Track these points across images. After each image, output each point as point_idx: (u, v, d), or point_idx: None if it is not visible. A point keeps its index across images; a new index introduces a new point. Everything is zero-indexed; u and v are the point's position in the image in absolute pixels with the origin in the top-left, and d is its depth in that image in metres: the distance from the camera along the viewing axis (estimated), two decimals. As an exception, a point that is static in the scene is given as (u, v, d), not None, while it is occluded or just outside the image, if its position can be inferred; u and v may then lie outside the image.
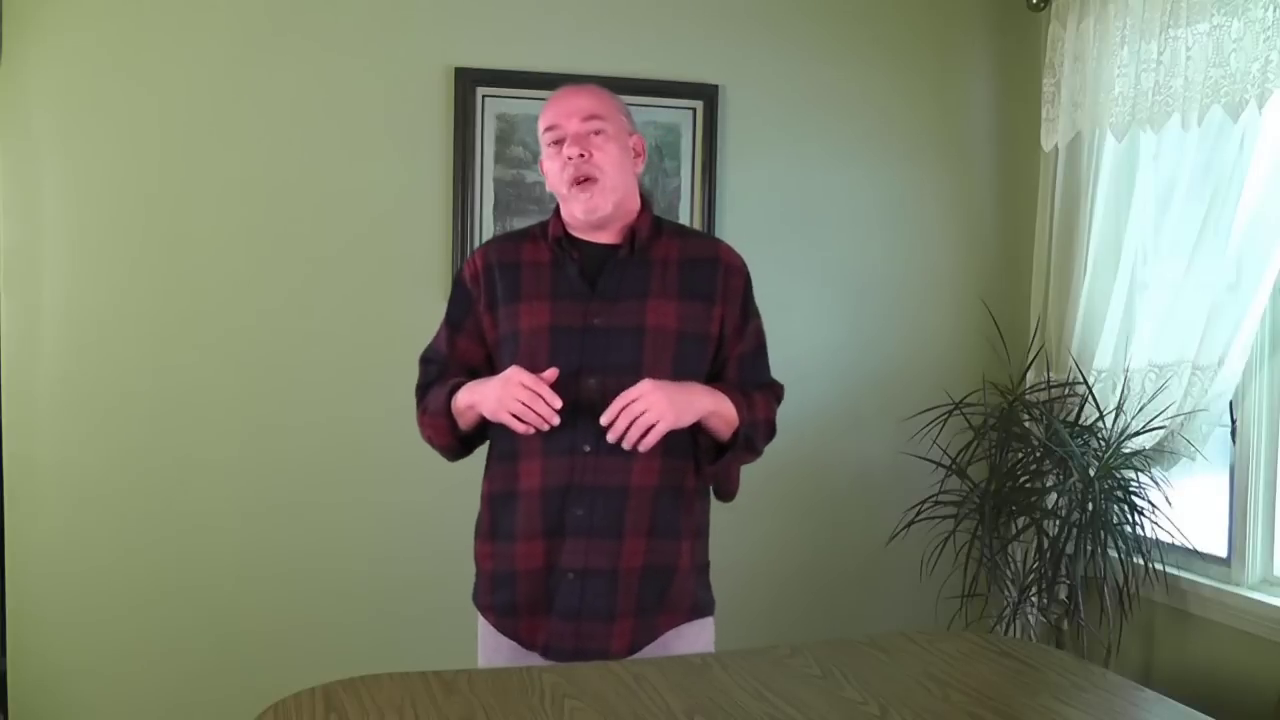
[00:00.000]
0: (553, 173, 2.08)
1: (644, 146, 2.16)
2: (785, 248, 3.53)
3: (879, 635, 1.99)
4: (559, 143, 2.06)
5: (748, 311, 2.14)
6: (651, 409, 1.91)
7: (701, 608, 2.14)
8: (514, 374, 1.94)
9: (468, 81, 3.27)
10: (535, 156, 3.32)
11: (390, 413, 3.26)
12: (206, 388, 3.15)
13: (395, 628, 3.27)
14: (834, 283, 3.61)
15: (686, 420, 1.97)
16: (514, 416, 1.93)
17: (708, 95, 3.45)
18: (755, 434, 2.08)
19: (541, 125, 2.10)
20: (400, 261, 3.27)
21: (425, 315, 3.25)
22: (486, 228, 3.30)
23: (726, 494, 2.16)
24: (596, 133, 2.05)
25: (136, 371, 3.10)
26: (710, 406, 2.00)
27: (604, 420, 1.92)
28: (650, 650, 2.06)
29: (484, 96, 3.29)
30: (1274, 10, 2.75)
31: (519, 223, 3.30)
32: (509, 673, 1.79)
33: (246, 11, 3.13)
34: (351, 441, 3.25)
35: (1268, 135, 2.85)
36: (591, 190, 2.03)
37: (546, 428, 1.93)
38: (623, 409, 1.91)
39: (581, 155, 2.03)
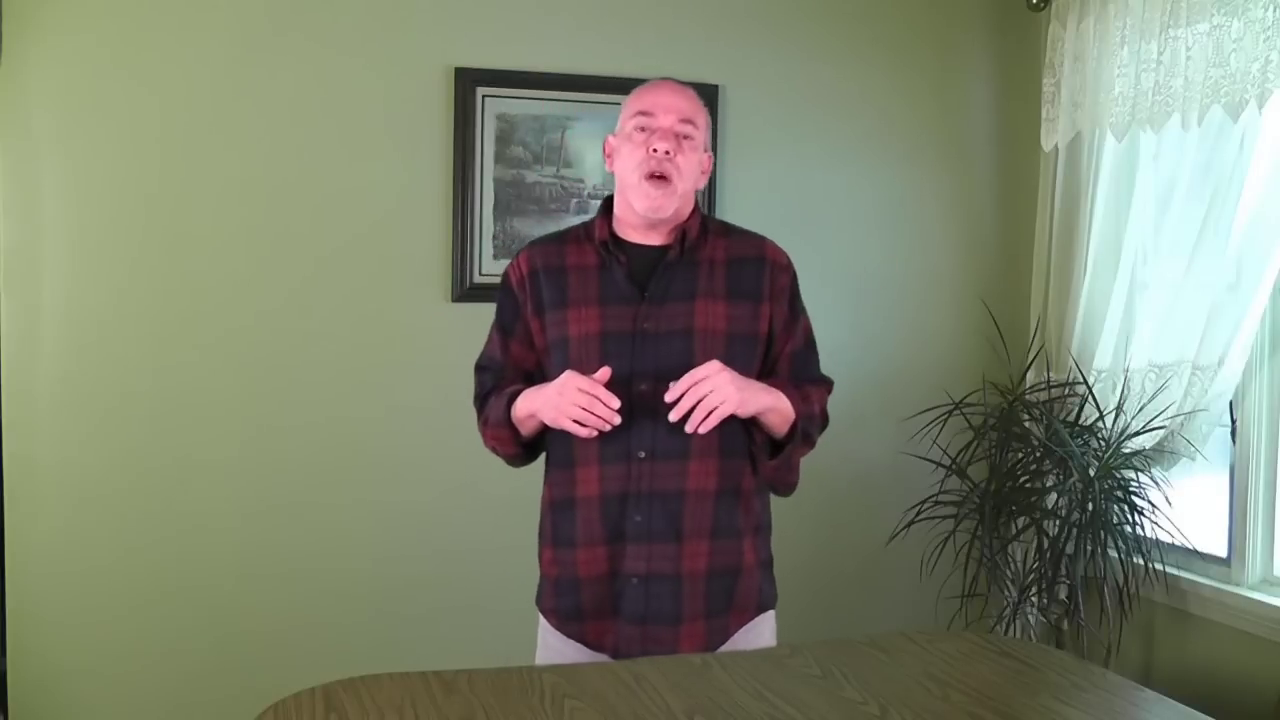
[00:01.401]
0: (629, 157, 2.05)
1: (711, 166, 2.16)
2: (785, 247, 3.52)
3: (879, 635, 1.99)
4: (645, 130, 2.04)
5: (796, 308, 2.15)
6: (718, 390, 1.91)
7: (765, 602, 2.15)
8: (569, 379, 1.94)
9: (468, 81, 3.27)
10: (535, 156, 3.33)
11: (390, 413, 3.27)
12: (206, 388, 3.15)
13: (395, 628, 3.27)
14: (834, 283, 3.61)
15: (749, 409, 1.97)
16: (575, 422, 1.93)
17: (708, 95, 3.43)
18: (811, 426, 2.10)
19: (633, 108, 2.07)
20: (400, 261, 3.27)
21: (425, 315, 3.28)
22: (486, 228, 3.30)
23: (787, 488, 2.16)
24: (686, 137, 2.05)
25: (136, 371, 3.10)
26: (770, 402, 2.01)
27: (669, 397, 1.91)
28: (723, 650, 2.07)
29: (484, 96, 3.29)
30: (1274, 10, 2.75)
31: (519, 223, 3.30)
32: (509, 673, 1.79)
33: (246, 11, 3.13)
34: (351, 441, 3.25)
35: (1268, 135, 2.86)
36: (664, 189, 2.02)
37: (609, 428, 1.93)
38: (689, 388, 1.91)
39: (668, 153, 2.02)
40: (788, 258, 2.17)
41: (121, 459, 3.10)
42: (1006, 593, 3.39)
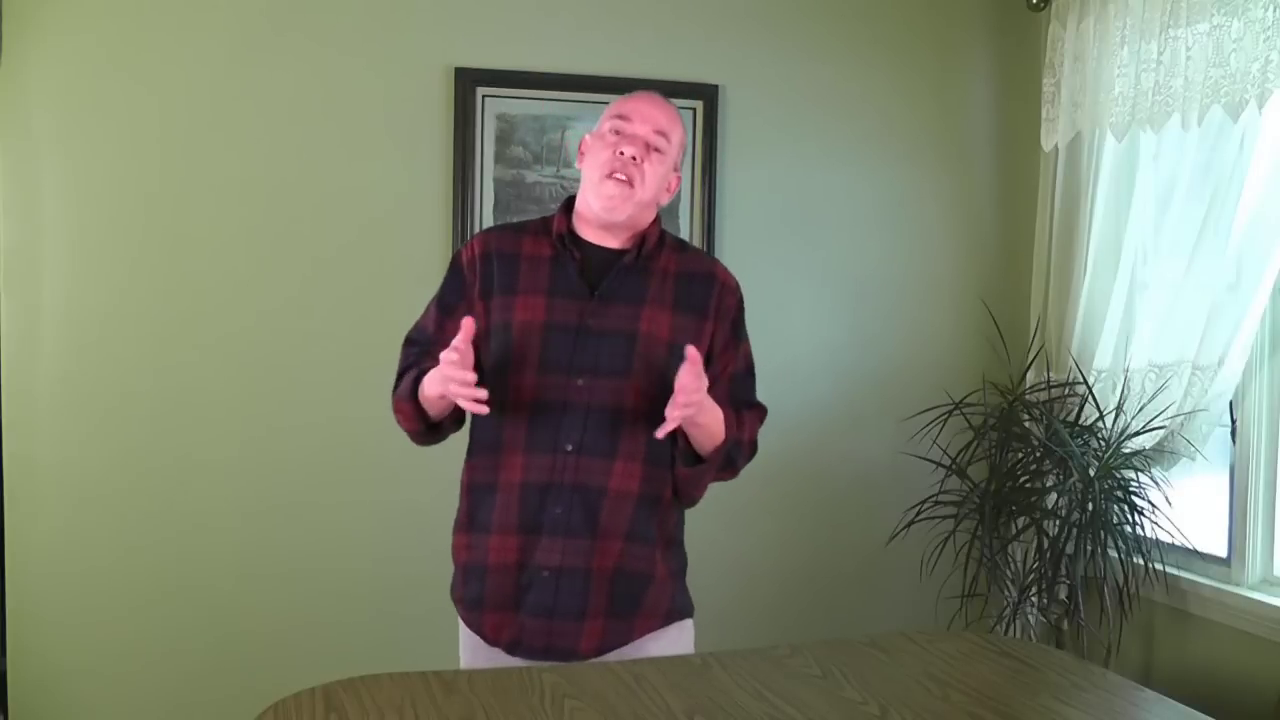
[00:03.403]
0: (596, 155, 2.07)
1: (678, 187, 2.17)
2: (785, 248, 3.54)
3: (879, 635, 1.99)
4: (619, 133, 2.06)
5: (739, 332, 2.16)
6: (704, 403, 1.94)
7: (678, 612, 2.15)
8: (443, 354, 1.92)
9: (468, 81, 3.27)
10: (535, 156, 3.33)
11: (390, 413, 3.26)
12: (206, 388, 3.15)
13: (395, 628, 3.27)
14: (834, 283, 3.61)
15: (700, 419, 1.98)
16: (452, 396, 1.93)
17: (708, 95, 3.45)
18: (738, 453, 2.11)
19: (613, 112, 2.10)
20: (400, 261, 3.27)
21: (425, 315, 3.28)
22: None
23: (690, 501, 2.16)
24: (656, 149, 2.07)
25: (136, 371, 3.10)
26: (710, 417, 2.02)
27: (676, 406, 1.89)
28: (624, 652, 2.06)
29: (484, 96, 3.29)
30: (1274, 10, 2.75)
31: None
32: (509, 673, 1.79)
33: (246, 11, 3.13)
34: (351, 441, 3.24)
35: (1268, 135, 2.85)
36: (623, 191, 2.04)
37: (482, 411, 1.91)
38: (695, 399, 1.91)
39: (634, 158, 2.04)
40: (737, 282, 2.18)
41: (121, 459, 3.10)
42: (1006, 593, 3.39)
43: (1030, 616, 3.36)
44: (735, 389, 2.14)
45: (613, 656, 2.04)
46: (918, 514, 3.41)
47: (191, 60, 3.10)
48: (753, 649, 2.03)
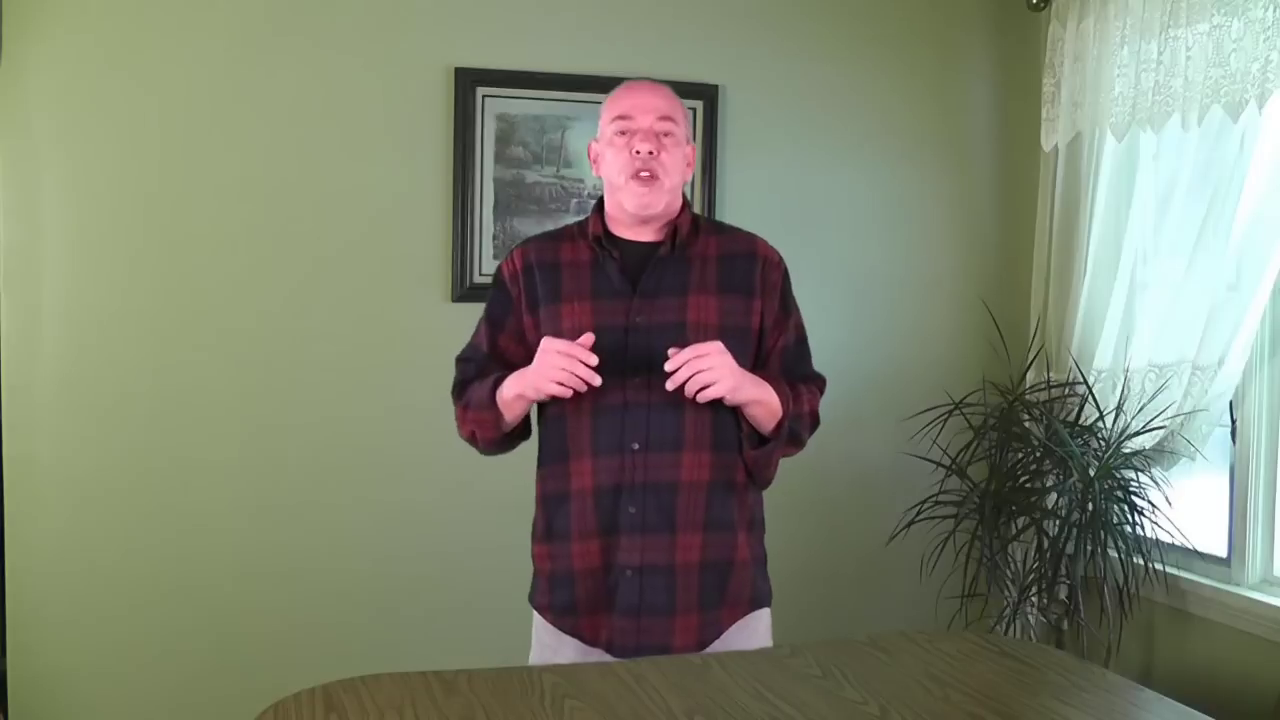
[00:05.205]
0: (613, 161, 2.08)
1: (694, 157, 2.19)
2: (785, 248, 3.48)
3: (879, 635, 1.99)
4: (626, 133, 2.07)
5: (787, 305, 2.18)
6: (715, 369, 1.95)
7: (760, 599, 2.16)
8: (546, 343, 1.97)
9: (468, 81, 3.27)
10: (535, 156, 3.33)
11: (390, 413, 3.27)
12: (206, 388, 3.15)
13: (395, 628, 3.27)
14: (834, 283, 3.61)
15: (739, 397, 2.00)
16: (559, 385, 1.95)
17: (708, 95, 3.45)
18: (800, 426, 2.12)
19: (611, 113, 2.11)
20: (400, 261, 3.27)
21: (425, 315, 3.28)
22: (486, 228, 3.30)
23: (763, 482, 2.17)
24: (666, 134, 2.08)
25: (136, 371, 3.10)
26: (758, 395, 2.03)
27: (669, 367, 1.95)
28: (715, 646, 2.08)
29: (484, 96, 3.29)
30: (1274, 10, 2.75)
31: (519, 223, 3.30)
32: (509, 673, 1.79)
33: (246, 11, 3.13)
34: (351, 441, 3.25)
35: (1268, 135, 2.86)
36: (651, 186, 2.06)
37: (597, 382, 1.95)
38: (690, 359, 1.95)
39: (651, 152, 2.05)
40: (779, 255, 2.19)
41: (121, 459, 3.10)
42: (1006, 593, 3.39)
43: (1030, 616, 3.36)
44: (789, 361, 2.15)
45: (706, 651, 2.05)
46: (918, 514, 3.41)
47: (191, 60, 3.10)
48: (753, 649, 2.03)
